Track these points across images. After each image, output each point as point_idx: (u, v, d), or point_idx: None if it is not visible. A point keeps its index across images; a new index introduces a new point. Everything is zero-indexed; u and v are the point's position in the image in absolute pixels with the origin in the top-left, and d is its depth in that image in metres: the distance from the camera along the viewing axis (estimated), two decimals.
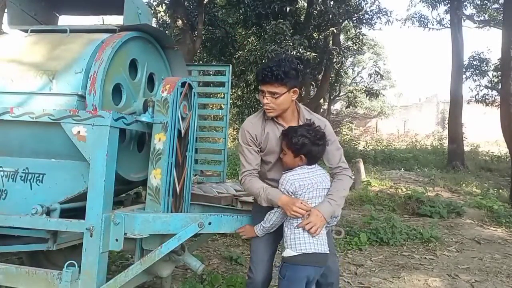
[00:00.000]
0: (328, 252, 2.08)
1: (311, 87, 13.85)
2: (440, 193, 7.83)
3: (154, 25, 4.75)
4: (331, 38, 11.62)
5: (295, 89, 2.12)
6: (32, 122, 2.08)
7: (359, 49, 13.26)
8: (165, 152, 2.24)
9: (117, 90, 2.36)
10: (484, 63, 14.45)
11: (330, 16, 10.17)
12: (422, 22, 16.09)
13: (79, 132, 2.03)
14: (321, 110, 16.15)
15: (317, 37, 11.23)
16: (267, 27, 8.89)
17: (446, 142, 15.98)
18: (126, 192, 2.94)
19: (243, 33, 11.92)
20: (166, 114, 2.25)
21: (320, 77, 12.57)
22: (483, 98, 14.92)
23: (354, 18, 11.43)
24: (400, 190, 7.79)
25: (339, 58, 11.45)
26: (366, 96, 16.54)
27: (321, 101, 14.36)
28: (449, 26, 14.53)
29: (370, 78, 16.51)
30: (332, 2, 10.80)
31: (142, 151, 2.59)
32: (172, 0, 9.31)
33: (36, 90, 2.20)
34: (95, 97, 2.12)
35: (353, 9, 11.00)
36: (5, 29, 3.26)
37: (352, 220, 5.68)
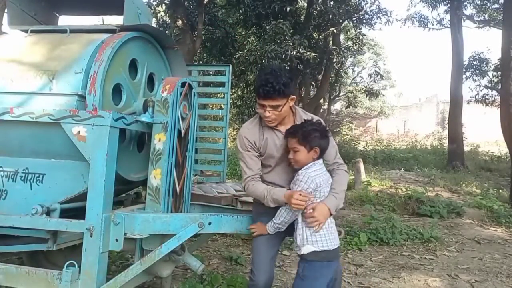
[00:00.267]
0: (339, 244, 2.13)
1: (311, 87, 13.85)
2: (440, 193, 7.84)
3: (154, 25, 4.75)
4: (331, 38, 11.61)
5: (293, 96, 2.15)
6: (32, 122, 2.08)
7: (359, 49, 13.25)
8: (165, 152, 2.24)
9: (117, 90, 2.36)
10: (484, 63, 14.45)
11: (330, 16, 10.16)
12: (422, 22, 16.08)
13: (79, 132, 2.03)
14: (321, 110, 16.13)
15: (317, 37, 11.22)
16: (267, 27, 8.89)
17: (446, 142, 15.99)
18: (126, 192, 2.94)
19: (243, 33, 11.91)
20: (166, 114, 2.25)
21: (320, 77, 12.57)
22: (483, 98, 14.92)
23: (354, 18, 11.42)
24: (400, 190, 7.79)
25: (339, 58, 11.45)
26: (366, 96, 16.53)
27: (321, 101, 14.35)
28: (449, 26, 14.53)
29: (370, 78, 16.49)
30: (332, 2, 10.80)
31: (142, 151, 2.59)
32: (172, 0, 9.30)
33: (36, 90, 2.20)
34: (95, 97, 2.12)
35: (353, 9, 10.99)
36: (5, 29, 3.26)
37: (352, 220, 5.68)
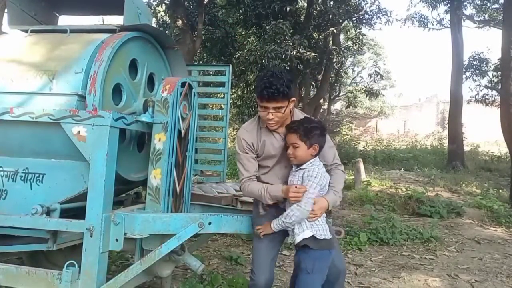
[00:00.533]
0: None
1: (311, 87, 13.83)
2: (440, 193, 7.84)
3: (154, 25, 4.75)
4: (331, 38, 11.61)
5: (294, 98, 2.20)
6: (32, 122, 2.08)
7: (359, 49, 13.24)
8: (165, 152, 2.24)
9: (117, 90, 2.36)
10: (484, 63, 14.46)
11: (330, 16, 10.15)
12: (422, 22, 16.07)
13: (79, 132, 2.03)
14: (321, 110, 16.11)
15: (317, 37, 11.21)
16: (267, 27, 8.88)
17: (446, 142, 15.99)
18: (126, 192, 2.94)
19: (243, 33, 11.91)
20: (166, 114, 2.25)
21: (320, 77, 12.56)
22: (483, 98, 14.93)
23: (354, 18, 11.41)
24: (400, 190, 7.79)
25: (339, 58, 11.44)
26: (366, 96, 16.51)
27: (321, 101, 14.32)
28: (449, 26, 14.53)
29: (370, 78, 16.45)
30: (332, 2, 10.79)
31: (142, 151, 2.59)
32: (172, 0, 9.30)
33: (36, 90, 2.20)
34: (95, 97, 2.12)
35: (353, 9, 10.98)
36: (5, 29, 3.25)
37: (352, 220, 5.68)
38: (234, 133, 17.88)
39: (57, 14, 3.06)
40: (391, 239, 4.65)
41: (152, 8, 10.12)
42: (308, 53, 8.66)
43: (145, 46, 2.66)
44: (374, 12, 11.54)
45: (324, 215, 2.15)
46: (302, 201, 2.03)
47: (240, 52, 9.82)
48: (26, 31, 2.60)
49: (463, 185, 9.43)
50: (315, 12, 10.49)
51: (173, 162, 2.33)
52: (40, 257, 2.76)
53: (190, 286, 3.01)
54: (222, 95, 3.56)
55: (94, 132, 2.01)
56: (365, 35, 13.63)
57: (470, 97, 15.54)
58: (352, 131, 24.17)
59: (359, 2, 11.31)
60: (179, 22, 8.84)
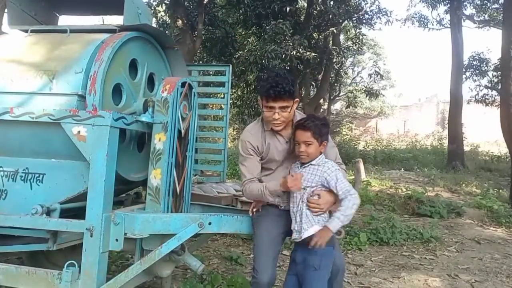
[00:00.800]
0: None
1: (311, 87, 13.84)
2: (440, 193, 7.84)
3: (154, 25, 4.75)
4: (331, 38, 11.62)
5: (297, 99, 2.22)
6: (32, 122, 2.08)
7: (359, 49, 13.27)
8: (165, 152, 2.24)
9: (117, 90, 2.36)
10: (484, 63, 14.47)
11: (330, 16, 10.16)
12: (422, 22, 16.08)
13: (79, 132, 2.03)
14: (321, 110, 16.11)
15: (317, 37, 11.22)
16: (267, 27, 8.89)
17: (446, 142, 15.98)
18: (126, 192, 2.94)
19: (243, 33, 11.92)
20: (166, 114, 2.25)
21: (320, 77, 12.57)
22: (483, 98, 14.94)
23: (354, 18, 11.42)
24: (400, 190, 7.79)
25: (339, 58, 11.46)
26: (366, 96, 16.52)
27: (321, 101, 14.33)
28: (449, 26, 14.53)
29: (370, 78, 16.47)
30: (332, 2, 10.80)
31: (142, 151, 2.59)
32: (172, 0, 9.31)
33: (36, 90, 2.20)
34: (95, 97, 2.12)
35: (353, 9, 10.99)
36: (5, 29, 3.25)
37: (352, 220, 5.64)
38: (234, 133, 17.90)
39: (57, 14, 3.06)
40: (391, 239, 4.65)
41: (152, 8, 10.13)
42: (308, 53, 8.67)
43: (145, 46, 2.66)
44: (374, 12, 11.56)
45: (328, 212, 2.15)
46: (352, 190, 2.05)
47: (240, 52, 9.83)
48: (26, 31, 2.60)
49: (463, 185, 9.43)
50: (315, 12, 10.50)
51: (173, 162, 2.33)
52: (40, 257, 2.76)
53: (190, 286, 3.01)
54: (222, 95, 3.56)
55: (94, 132, 2.01)
56: (365, 35, 13.64)
57: (470, 97, 15.55)
58: (352, 131, 24.17)
59: (359, 2, 11.33)
60: (179, 22, 8.85)
